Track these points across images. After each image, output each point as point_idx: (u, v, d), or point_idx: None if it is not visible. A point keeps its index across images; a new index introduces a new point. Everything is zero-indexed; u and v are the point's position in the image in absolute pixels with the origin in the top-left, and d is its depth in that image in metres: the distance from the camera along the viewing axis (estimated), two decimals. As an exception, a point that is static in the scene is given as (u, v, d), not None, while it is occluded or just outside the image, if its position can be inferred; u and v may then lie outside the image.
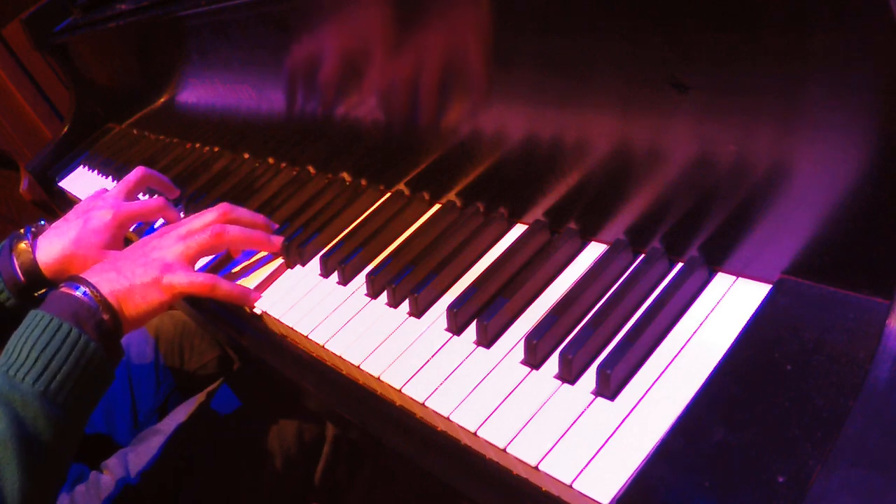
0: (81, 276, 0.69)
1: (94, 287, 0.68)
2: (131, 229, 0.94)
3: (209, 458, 0.84)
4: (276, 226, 0.83)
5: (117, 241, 0.85)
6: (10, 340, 0.64)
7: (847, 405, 0.38)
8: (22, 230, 0.84)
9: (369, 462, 0.87)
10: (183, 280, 0.71)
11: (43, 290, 0.83)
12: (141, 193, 1.06)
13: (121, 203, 0.87)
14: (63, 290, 0.68)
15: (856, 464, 0.36)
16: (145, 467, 0.82)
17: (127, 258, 0.73)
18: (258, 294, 0.75)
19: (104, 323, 0.66)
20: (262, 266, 0.79)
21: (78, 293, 0.67)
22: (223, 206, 0.78)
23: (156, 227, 0.98)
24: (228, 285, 0.74)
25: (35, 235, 0.84)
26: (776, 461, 0.38)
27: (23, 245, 0.82)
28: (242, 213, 0.79)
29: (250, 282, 0.76)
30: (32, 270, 0.81)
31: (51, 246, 0.82)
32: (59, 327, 0.63)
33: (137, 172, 0.94)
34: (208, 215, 0.77)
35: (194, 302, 0.84)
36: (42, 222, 0.87)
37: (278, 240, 0.79)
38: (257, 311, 0.73)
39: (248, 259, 0.82)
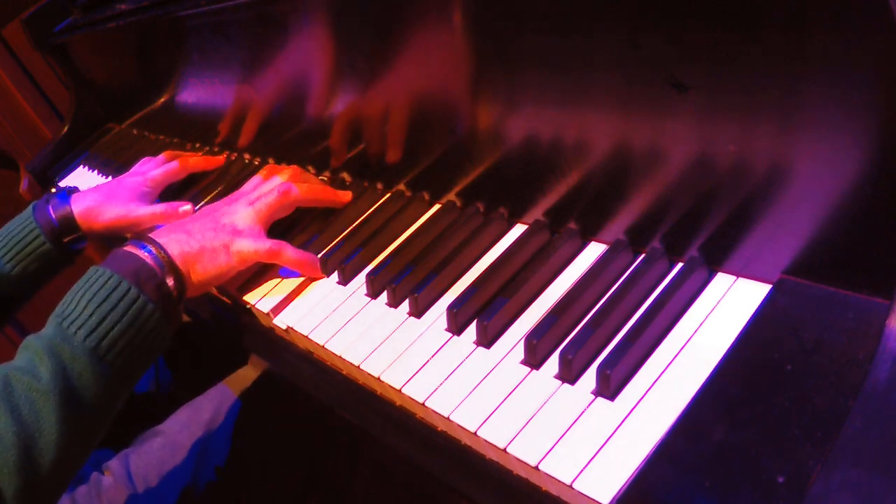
0: (150, 235, 0.67)
1: (161, 247, 0.65)
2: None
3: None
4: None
5: (147, 198, 0.96)
6: (68, 293, 0.62)
7: (847, 405, 0.38)
8: (53, 189, 0.98)
9: (369, 462, 0.87)
10: (251, 246, 0.70)
11: (73, 236, 0.91)
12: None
13: (151, 170, 1.01)
14: (128, 248, 0.65)
15: (856, 464, 0.36)
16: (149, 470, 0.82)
17: (197, 221, 0.71)
18: (320, 273, 0.73)
19: (165, 286, 0.64)
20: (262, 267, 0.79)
21: (144, 253, 0.64)
22: (294, 168, 0.79)
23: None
24: (296, 251, 0.72)
25: (70, 193, 0.94)
26: (776, 461, 0.38)
27: (58, 200, 0.92)
28: (311, 178, 0.81)
29: (250, 282, 0.76)
30: (67, 217, 0.91)
31: (84, 198, 0.92)
32: (118, 284, 0.60)
33: (175, 166, 1.03)
34: (277, 177, 0.76)
35: (194, 302, 0.84)
36: (74, 187, 0.99)
37: (345, 195, 0.79)
38: (258, 310, 0.73)
39: None
